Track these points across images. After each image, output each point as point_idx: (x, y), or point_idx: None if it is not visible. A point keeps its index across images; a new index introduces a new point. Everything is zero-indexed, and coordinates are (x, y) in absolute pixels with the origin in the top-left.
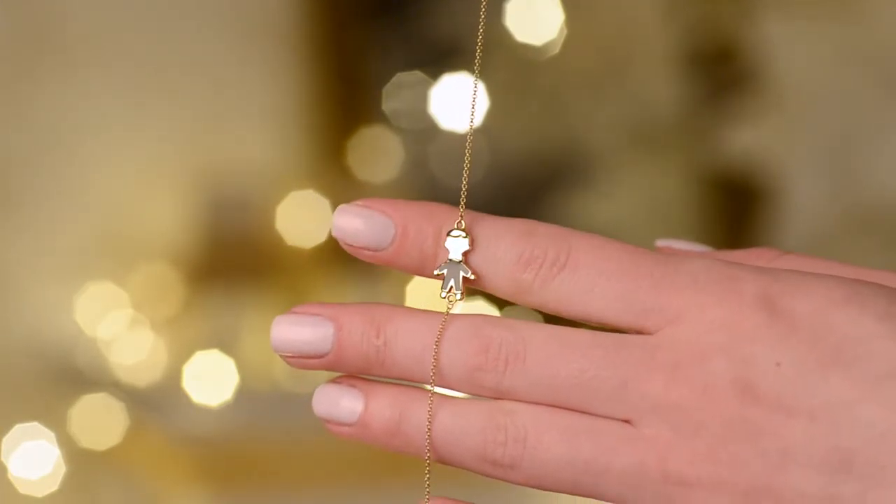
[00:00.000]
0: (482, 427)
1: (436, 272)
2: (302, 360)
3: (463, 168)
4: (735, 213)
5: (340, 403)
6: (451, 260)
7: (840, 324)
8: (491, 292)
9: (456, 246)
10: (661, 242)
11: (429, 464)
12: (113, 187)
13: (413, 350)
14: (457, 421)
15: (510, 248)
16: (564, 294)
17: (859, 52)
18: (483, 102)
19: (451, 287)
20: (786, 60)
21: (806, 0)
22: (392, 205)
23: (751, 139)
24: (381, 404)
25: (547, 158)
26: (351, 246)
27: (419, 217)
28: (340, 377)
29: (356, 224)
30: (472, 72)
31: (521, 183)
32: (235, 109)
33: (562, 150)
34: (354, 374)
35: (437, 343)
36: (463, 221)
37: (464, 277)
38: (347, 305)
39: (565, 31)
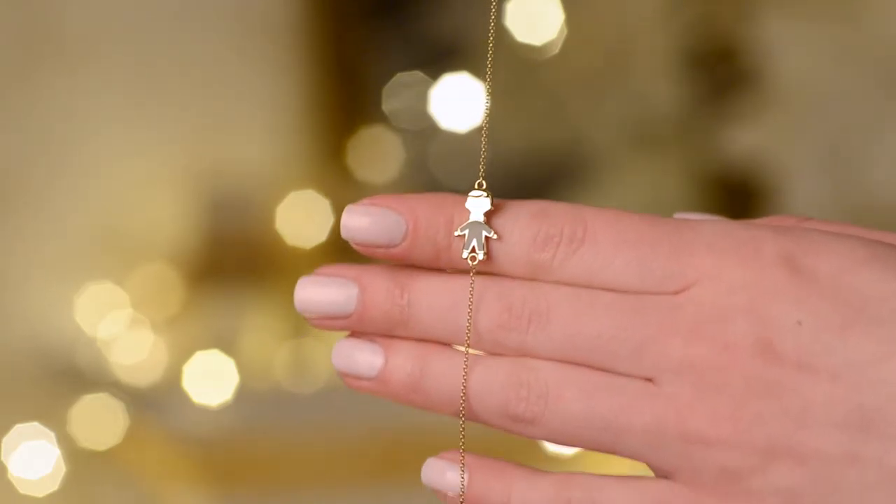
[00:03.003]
0: (505, 383)
1: (457, 233)
2: (326, 321)
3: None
4: (735, 212)
5: (359, 357)
6: (472, 220)
7: (863, 283)
8: (511, 276)
9: (477, 206)
10: (679, 215)
11: (463, 420)
12: (113, 187)
13: (438, 309)
14: (480, 377)
15: (524, 230)
16: (585, 269)
17: (859, 52)
18: (483, 102)
19: (474, 247)
20: (786, 60)
21: (806, 0)
22: (400, 199)
23: (751, 139)
24: (401, 359)
25: (547, 158)
26: (362, 245)
27: (429, 209)
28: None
29: (364, 223)
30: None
31: (522, 182)
32: (235, 109)
33: (562, 149)
34: (378, 333)
35: (470, 302)
36: (483, 181)
37: (486, 237)
38: (371, 266)
39: (565, 31)
